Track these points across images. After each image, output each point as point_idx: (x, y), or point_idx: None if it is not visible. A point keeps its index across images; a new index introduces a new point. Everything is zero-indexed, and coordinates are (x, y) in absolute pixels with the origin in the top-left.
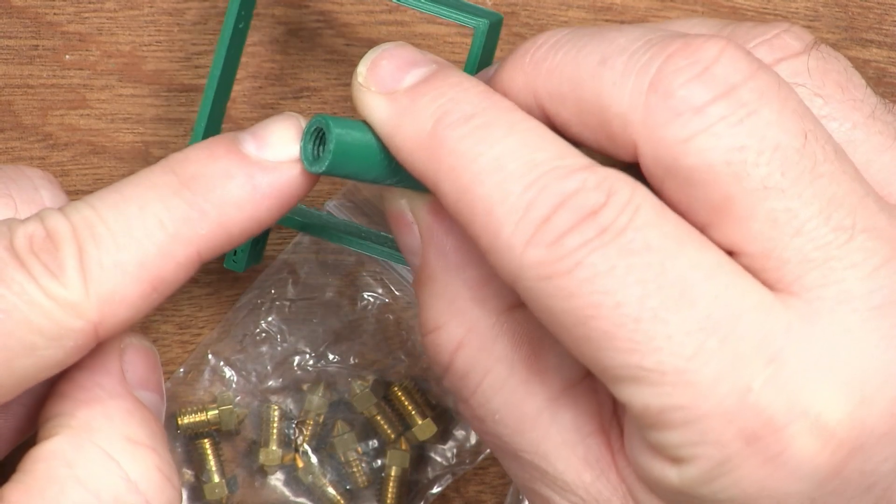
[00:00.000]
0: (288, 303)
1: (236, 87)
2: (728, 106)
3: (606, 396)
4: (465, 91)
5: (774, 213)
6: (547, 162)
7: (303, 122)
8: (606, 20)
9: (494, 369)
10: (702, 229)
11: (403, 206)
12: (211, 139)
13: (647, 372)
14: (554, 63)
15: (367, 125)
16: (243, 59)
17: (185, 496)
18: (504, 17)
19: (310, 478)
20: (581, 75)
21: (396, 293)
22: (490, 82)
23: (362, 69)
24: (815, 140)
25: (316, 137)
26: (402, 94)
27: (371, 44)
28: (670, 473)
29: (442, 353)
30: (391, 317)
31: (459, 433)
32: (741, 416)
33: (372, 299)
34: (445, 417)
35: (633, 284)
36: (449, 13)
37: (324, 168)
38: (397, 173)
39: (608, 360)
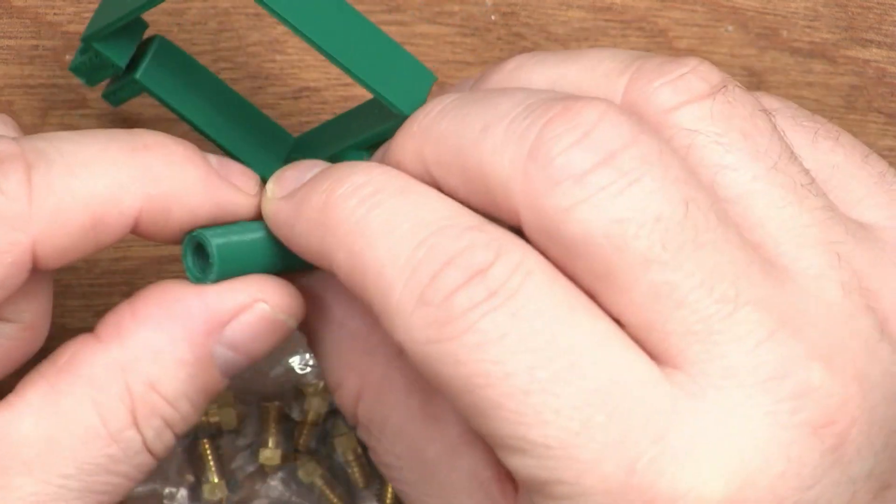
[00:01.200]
0: None
1: (236, 87)
2: (608, 175)
3: None
4: (355, 167)
5: (656, 285)
6: (437, 221)
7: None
8: (606, 20)
9: (392, 416)
10: (590, 297)
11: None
12: (179, 138)
13: (533, 445)
14: (439, 130)
15: (246, 225)
16: (243, 59)
17: (185, 496)
18: (504, 16)
19: (310, 478)
20: (463, 143)
21: None
22: (384, 154)
23: (270, 185)
24: (697, 209)
25: (195, 251)
26: (300, 188)
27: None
28: None
29: (346, 408)
30: None
31: None
32: (625, 495)
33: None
34: None
35: (524, 353)
36: (376, 85)
37: (212, 278)
38: (287, 261)
39: (495, 430)
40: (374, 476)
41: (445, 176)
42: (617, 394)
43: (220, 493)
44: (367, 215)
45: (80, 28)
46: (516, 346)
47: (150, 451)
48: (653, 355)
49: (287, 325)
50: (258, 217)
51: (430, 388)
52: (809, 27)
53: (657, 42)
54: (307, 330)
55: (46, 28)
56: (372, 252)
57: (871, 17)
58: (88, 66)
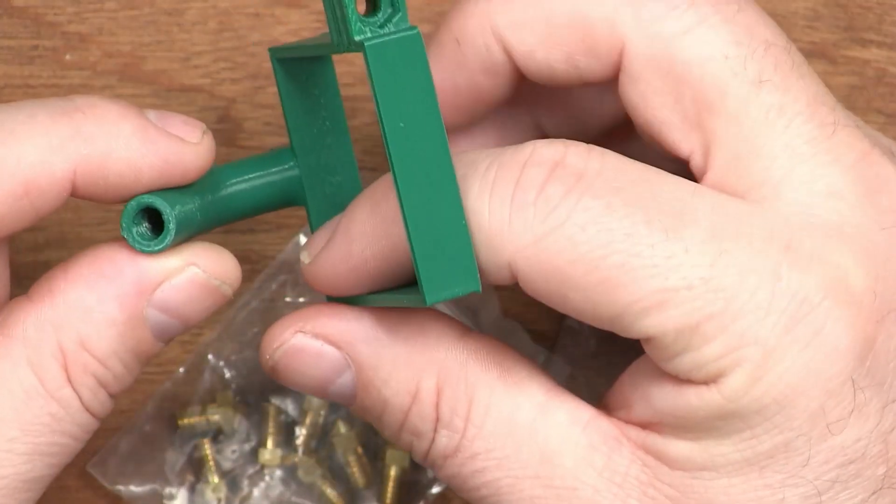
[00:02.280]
0: (288, 303)
1: (236, 87)
2: (717, 2)
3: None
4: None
5: (767, 107)
6: (489, 152)
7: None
8: None
9: (476, 396)
10: (689, 130)
11: (302, 340)
12: (115, 98)
13: (673, 292)
14: None
15: (185, 190)
16: (243, 60)
17: (185, 496)
18: None
19: (310, 478)
20: None
21: None
22: (440, 36)
23: (304, 257)
24: (790, 43)
25: (139, 217)
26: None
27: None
28: (710, 395)
29: (426, 418)
30: None
31: None
32: (776, 305)
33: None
34: None
35: (634, 211)
36: (424, 259)
37: (164, 246)
38: (248, 211)
39: (631, 294)
40: (374, 476)
41: (523, 36)
42: (732, 223)
43: (220, 493)
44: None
45: (81, 28)
46: (625, 208)
47: (88, 409)
48: (745, 190)
49: (221, 290)
50: (203, 166)
51: (500, 362)
52: (809, 27)
53: None
54: (356, 366)
55: (46, 28)
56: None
57: (871, 17)
58: None
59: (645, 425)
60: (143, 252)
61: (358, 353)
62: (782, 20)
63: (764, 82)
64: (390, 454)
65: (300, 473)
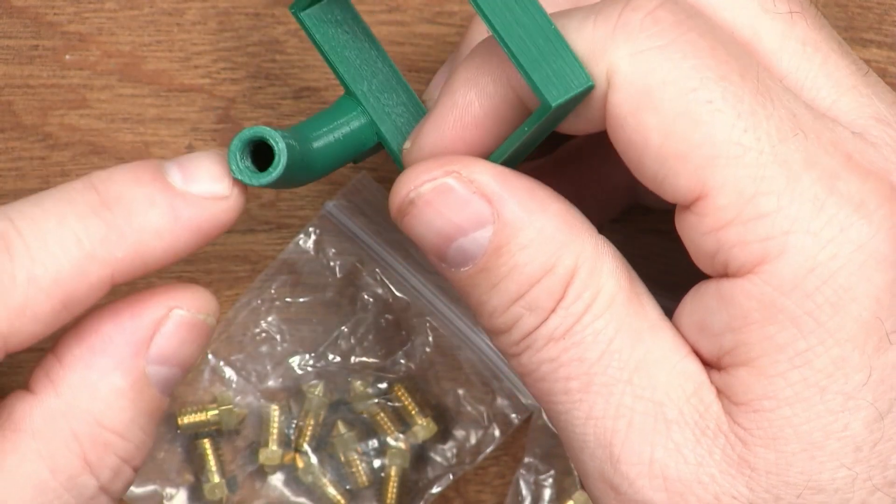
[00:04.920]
0: (288, 302)
1: (235, 88)
2: None
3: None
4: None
5: (803, 41)
6: None
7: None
8: None
9: (605, 285)
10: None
11: (452, 182)
12: (136, 163)
13: (746, 149)
14: None
15: (288, 133)
16: (243, 60)
17: (185, 496)
18: None
19: (310, 478)
20: None
21: (396, 293)
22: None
23: (406, 144)
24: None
25: (250, 150)
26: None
27: None
28: (758, 287)
29: (555, 290)
30: (391, 317)
31: (459, 433)
32: (832, 201)
33: (372, 299)
34: (445, 417)
35: (733, 64)
36: (533, 69)
37: (272, 180)
38: (330, 165)
39: (704, 135)
40: (374, 476)
41: None
42: (804, 119)
43: (220, 493)
44: None
45: (81, 28)
46: (727, 56)
47: (105, 491)
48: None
49: (207, 323)
50: (236, 216)
51: (628, 269)
52: None
53: None
54: (497, 226)
55: (46, 28)
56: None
57: (871, 17)
58: None
59: (711, 365)
60: (248, 185)
61: (508, 211)
62: None
63: (795, 14)
64: (390, 454)
65: (300, 473)
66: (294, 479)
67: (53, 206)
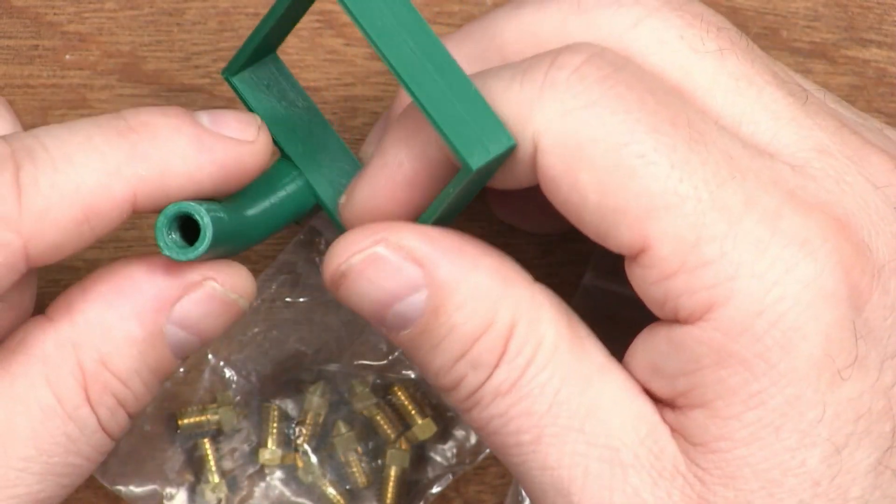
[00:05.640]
0: (288, 302)
1: None
2: None
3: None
4: None
5: (736, 77)
6: None
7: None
8: None
9: (546, 335)
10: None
11: (382, 250)
12: (165, 107)
13: (683, 198)
14: (468, 32)
15: (216, 204)
16: None
17: (184, 496)
18: None
19: (310, 478)
20: (498, 27)
21: None
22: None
23: (341, 199)
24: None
25: (178, 225)
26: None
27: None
28: (708, 334)
29: (492, 351)
30: None
31: (459, 433)
32: (776, 241)
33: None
34: (445, 417)
35: (664, 113)
36: (453, 132)
37: (198, 254)
38: (268, 230)
39: (639, 188)
40: (374, 476)
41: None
42: (741, 161)
43: (220, 493)
44: None
45: (81, 28)
46: (656, 106)
47: (105, 430)
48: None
49: (238, 305)
50: (262, 163)
51: (568, 315)
52: (809, 27)
53: None
54: (431, 286)
55: (46, 28)
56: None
57: (871, 17)
58: None
59: (665, 403)
60: (176, 260)
61: (439, 274)
62: (782, 20)
63: (724, 50)
64: (390, 454)
65: (300, 473)
66: (294, 479)
67: (80, 128)
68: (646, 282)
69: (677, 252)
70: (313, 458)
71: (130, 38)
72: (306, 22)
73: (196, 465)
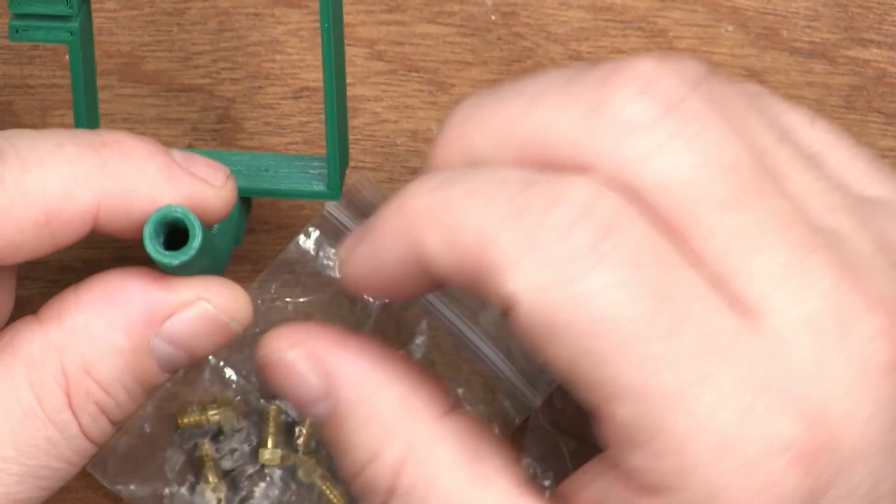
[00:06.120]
0: (288, 302)
1: (236, 87)
2: (676, 123)
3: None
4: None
5: (738, 229)
6: (524, 176)
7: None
8: (606, 20)
9: (440, 478)
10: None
11: (293, 356)
12: (143, 136)
13: (652, 394)
14: (482, 116)
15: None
16: (242, 59)
17: (185, 496)
18: (504, 16)
19: (310, 478)
20: (513, 116)
21: None
22: (428, 166)
23: (341, 253)
24: (763, 157)
25: (166, 229)
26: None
27: (370, 44)
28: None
29: (382, 482)
30: (391, 317)
31: None
32: (735, 446)
33: (372, 299)
34: None
35: (644, 299)
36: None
37: (183, 260)
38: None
39: (612, 377)
40: None
41: (500, 157)
42: (720, 345)
43: (220, 493)
44: (445, 194)
45: None
46: (637, 291)
47: (87, 435)
48: (729, 303)
49: (230, 327)
50: (225, 210)
51: (476, 447)
52: (809, 27)
53: (657, 42)
54: (332, 404)
55: None
56: (464, 219)
57: (871, 17)
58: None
59: None
60: (168, 265)
61: (340, 392)
62: (782, 20)
63: (732, 205)
64: None
65: (300, 473)
66: (294, 479)
67: (53, 135)
68: (620, 452)
69: (638, 436)
70: (313, 459)
71: (130, 37)
72: (306, 22)
73: (196, 465)
